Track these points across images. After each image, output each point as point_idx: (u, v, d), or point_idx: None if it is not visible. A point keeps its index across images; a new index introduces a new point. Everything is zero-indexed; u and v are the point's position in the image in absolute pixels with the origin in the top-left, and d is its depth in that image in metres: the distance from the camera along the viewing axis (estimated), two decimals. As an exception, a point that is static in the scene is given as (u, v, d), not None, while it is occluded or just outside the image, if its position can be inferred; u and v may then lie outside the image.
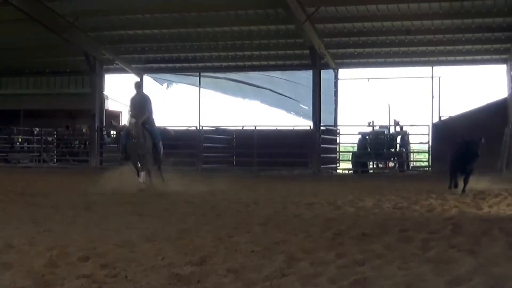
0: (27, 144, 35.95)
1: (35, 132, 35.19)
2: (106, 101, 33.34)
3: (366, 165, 30.41)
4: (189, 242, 7.78)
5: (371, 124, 30.74)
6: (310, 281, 5.71)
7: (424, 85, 30.62)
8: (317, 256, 6.89)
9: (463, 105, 29.08)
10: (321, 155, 27.88)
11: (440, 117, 29.66)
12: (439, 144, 28.15)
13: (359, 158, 30.29)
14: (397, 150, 30.42)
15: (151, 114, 16.95)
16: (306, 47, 27.49)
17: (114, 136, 32.06)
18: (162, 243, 7.63)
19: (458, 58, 29.25)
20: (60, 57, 32.35)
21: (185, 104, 34.27)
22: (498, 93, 28.21)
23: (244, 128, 30.61)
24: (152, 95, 18.67)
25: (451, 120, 27.68)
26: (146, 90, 21.63)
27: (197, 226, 9.15)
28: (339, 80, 31.20)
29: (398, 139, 30.36)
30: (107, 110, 33.40)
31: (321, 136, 28.03)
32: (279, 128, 30.71)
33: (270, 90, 33.25)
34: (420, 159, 32.84)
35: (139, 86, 17.91)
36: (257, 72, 32.95)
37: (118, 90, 35.63)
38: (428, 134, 29.38)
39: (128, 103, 17.12)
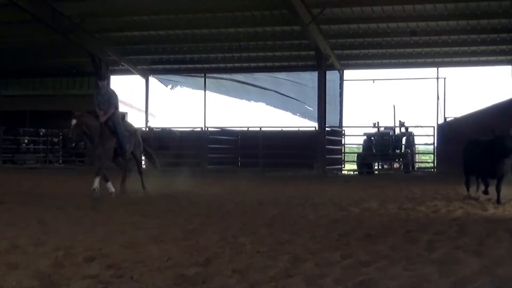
0: (33, 145, 35.99)
1: (41, 133, 35.22)
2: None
3: (371, 166, 30.37)
4: (195, 243, 7.80)
5: (376, 125, 30.73)
6: (315, 282, 5.73)
7: (429, 86, 30.67)
8: (322, 256, 6.91)
9: (468, 106, 29.13)
10: (326, 156, 27.83)
11: (445, 118, 29.59)
12: (444, 145, 28.20)
13: (364, 159, 30.23)
14: (402, 151, 30.37)
15: (116, 110, 14.74)
16: (312, 48, 27.48)
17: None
18: (168, 244, 7.65)
19: (463, 59, 29.21)
20: (66, 59, 32.37)
21: (191, 105, 34.35)
22: (504, 94, 28.21)
23: (250, 129, 30.60)
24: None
25: (457, 121, 27.61)
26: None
27: (202, 227, 9.17)
28: (344, 81, 31.15)
29: (403, 140, 30.32)
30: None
31: (326, 137, 27.99)
32: (284, 129, 30.71)
33: (275, 91, 33.25)
34: (425, 160, 32.79)
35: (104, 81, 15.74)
36: (262, 74, 32.96)
37: (123, 91, 35.82)
38: (434, 135, 29.41)
39: (95, 102, 14.75)
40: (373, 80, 31.37)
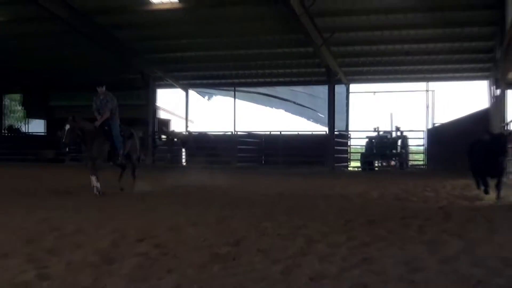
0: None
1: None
2: (157, 111, 33.62)
3: (372, 164, 30.29)
4: (226, 227, 7.82)
5: (376, 129, 30.63)
6: (326, 259, 5.74)
7: (420, 97, 30.67)
8: (332, 239, 6.90)
9: (452, 114, 28.94)
10: (335, 156, 27.76)
11: (433, 124, 29.51)
12: (432, 147, 28.13)
13: (367, 158, 30.19)
14: (398, 151, 30.21)
15: (114, 114, 13.15)
16: (323, 66, 27.39)
17: (165, 139, 32.36)
18: (204, 228, 7.67)
19: (449, 75, 29.12)
20: (121, 75, 32.54)
21: (223, 113, 34.49)
22: (481, 104, 28.01)
23: (271, 133, 30.60)
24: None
25: (442, 126, 27.47)
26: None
27: (232, 214, 9.17)
28: (350, 93, 31.17)
29: (399, 142, 30.17)
30: (158, 118, 33.62)
31: (335, 139, 27.92)
32: (300, 133, 30.67)
33: (293, 102, 33.35)
34: (417, 159, 32.60)
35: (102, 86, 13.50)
36: (282, 87, 33.01)
37: (167, 102, 36.14)
38: (424, 138, 29.39)
39: (93, 106, 13.22)
40: (374, 92, 31.41)
